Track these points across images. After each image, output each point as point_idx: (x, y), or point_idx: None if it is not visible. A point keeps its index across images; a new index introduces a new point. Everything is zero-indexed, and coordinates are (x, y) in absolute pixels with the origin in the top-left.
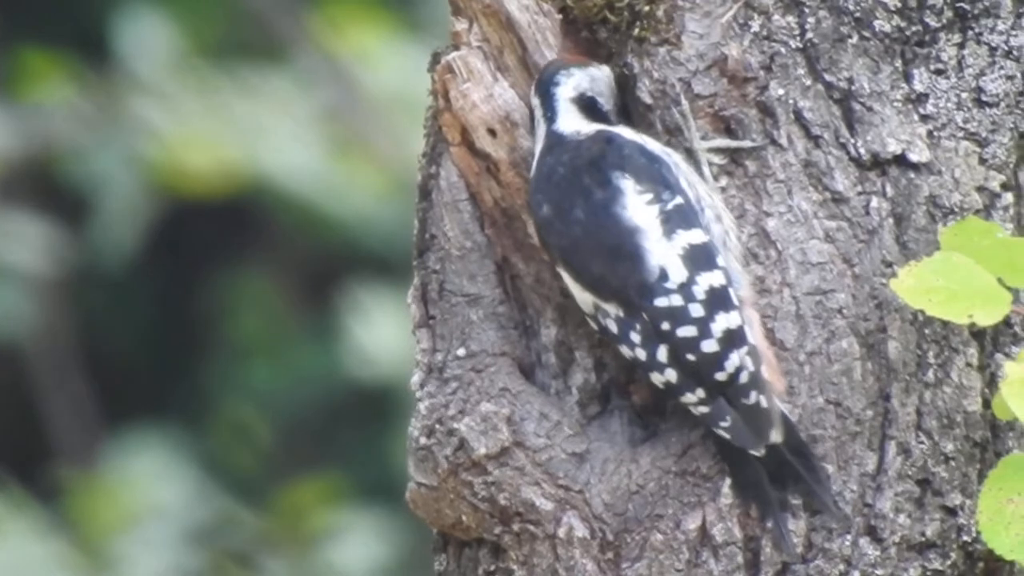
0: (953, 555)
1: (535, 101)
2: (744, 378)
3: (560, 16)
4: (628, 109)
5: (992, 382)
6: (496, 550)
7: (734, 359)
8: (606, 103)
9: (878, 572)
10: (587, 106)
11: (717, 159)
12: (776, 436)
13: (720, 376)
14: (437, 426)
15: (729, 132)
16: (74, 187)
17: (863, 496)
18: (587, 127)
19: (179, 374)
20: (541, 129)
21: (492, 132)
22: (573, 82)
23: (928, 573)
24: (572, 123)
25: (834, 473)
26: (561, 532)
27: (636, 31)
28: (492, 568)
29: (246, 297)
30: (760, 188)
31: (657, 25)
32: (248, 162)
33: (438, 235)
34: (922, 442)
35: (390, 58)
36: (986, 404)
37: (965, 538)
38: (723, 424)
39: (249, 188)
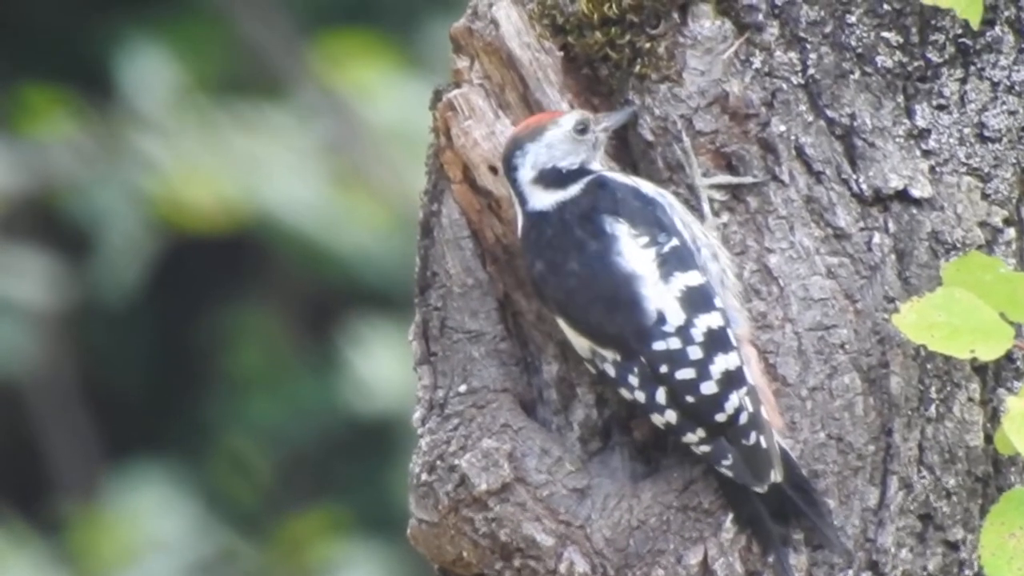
0: None
1: (506, 181)
2: (743, 419)
3: (561, 53)
4: (630, 145)
5: (994, 417)
6: None
7: (733, 400)
8: (573, 160)
9: None
10: (553, 179)
11: (718, 195)
12: (776, 476)
13: (720, 417)
14: (438, 462)
15: (731, 168)
16: (75, 222)
17: (865, 531)
18: (565, 193)
19: (179, 408)
20: (518, 210)
21: (493, 170)
22: (529, 161)
23: None
24: (544, 199)
25: (836, 508)
26: (562, 568)
27: (637, 68)
28: None
29: (246, 331)
30: (762, 224)
31: (658, 62)
32: (248, 197)
33: (440, 272)
34: (924, 477)
35: (390, 93)
36: (988, 439)
37: (967, 573)
38: (725, 463)
39: (249, 223)
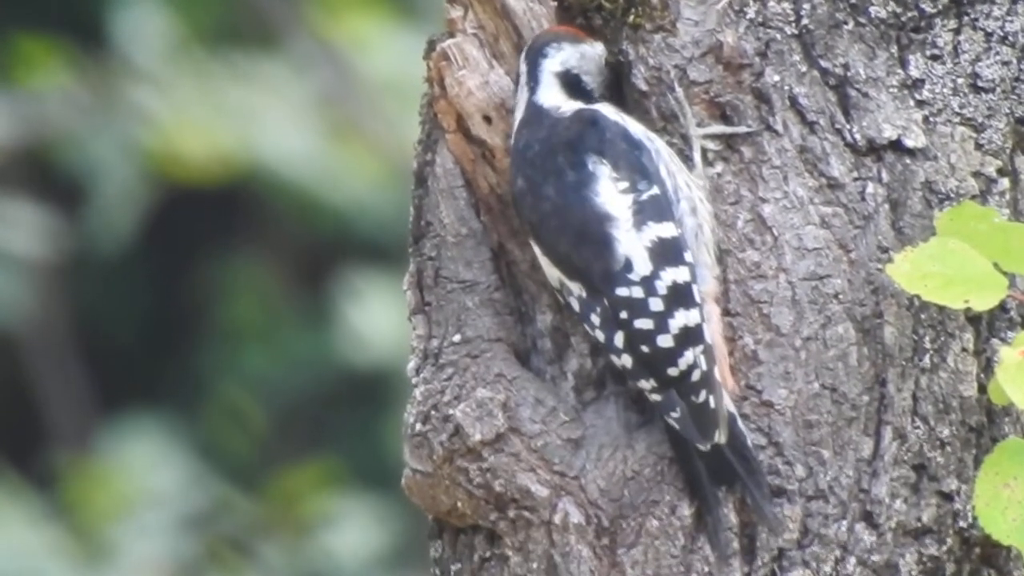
0: (949, 540)
1: (522, 67)
2: (696, 376)
3: (555, 3)
4: (624, 96)
5: (988, 367)
6: (492, 536)
7: (688, 356)
8: (591, 81)
9: (874, 558)
10: (570, 83)
11: (713, 145)
12: (720, 437)
13: (672, 371)
14: (432, 412)
15: (725, 119)
16: (70, 173)
17: (859, 481)
18: (567, 104)
19: (174, 360)
20: (523, 97)
21: (488, 119)
22: (562, 56)
23: (924, 559)
24: (553, 97)
25: (830, 458)
26: (556, 518)
27: (631, 18)
28: (487, 555)
29: (241, 283)
30: (756, 174)
31: (652, 12)
32: (243, 148)
33: (434, 222)
34: (918, 427)
35: (385, 44)
36: (982, 389)
37: (961, 523)
38: (673, 415)
39: (244, 174)
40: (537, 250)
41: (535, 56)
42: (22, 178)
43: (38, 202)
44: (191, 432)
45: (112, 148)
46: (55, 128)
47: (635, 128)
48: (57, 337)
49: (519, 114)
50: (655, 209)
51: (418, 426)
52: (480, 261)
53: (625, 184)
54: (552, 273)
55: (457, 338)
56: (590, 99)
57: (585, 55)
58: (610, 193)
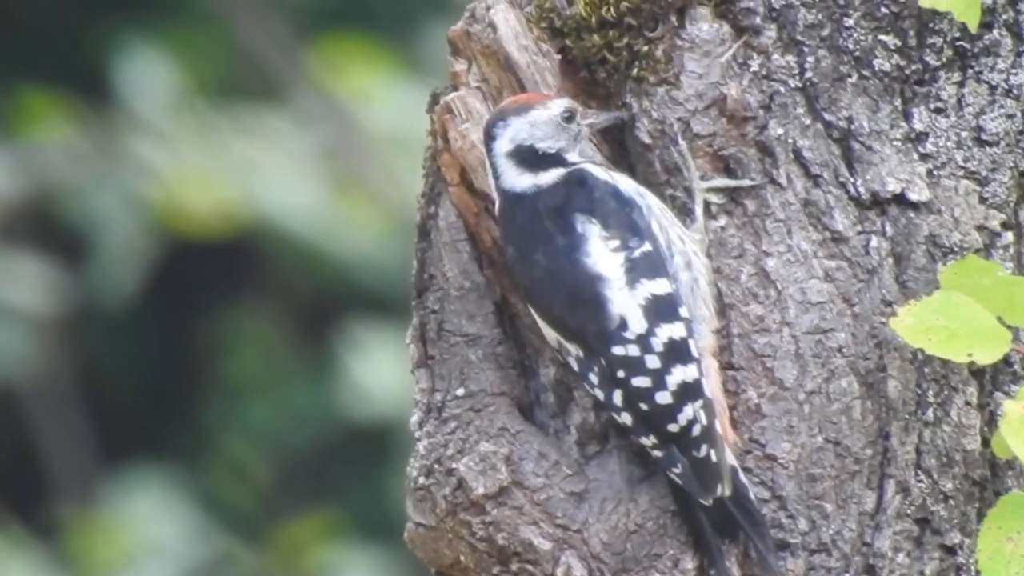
0: None
1: (484, 151)
2: (696, 431)
3: (559, 56)
4: (627, 148)
5: (991, 421)
6: None
7: (688, 412)
8: (550, 146)
9: None
10: (526, 158)
11: (716, 199)
12: (723, 490)
13: (672, 428)
14: (436, 466)
15: (728, 171)
16: (73, 227)
17: (862, 535)
18: (542, 177)
19: (178, 412)
20: (491, 183)
21: None
22: (509, 134)
23: None
24: (518, 179)
25: (833, 512)
26: (559, 572)
27: (635, 71)
28: None
29: (245, 336)
30: (760, 227)
31: (656, 65)
32: (246, 201)
33: (437, 275)
34: (921, 481)
35: (388, 97)
36: (985, 443)
37: None
38: (675, 470)
39: (248, 227)
40: (533, 312)
41: (487, 141)
42: (25, 231)
43: (41, 255)
44: (194, 484)
45: (116, 201)
46: (58, 181)
47: (626, 185)
48: (60, 390)
49: (497, 201)
50: (648, 266)
51: (421, 479)
52: (483, 315)
53: (616, 242)
54: (550, 334)
55: (460, 392)
56: (561, 162)
57: (535, 122)
58: (601, 253)
